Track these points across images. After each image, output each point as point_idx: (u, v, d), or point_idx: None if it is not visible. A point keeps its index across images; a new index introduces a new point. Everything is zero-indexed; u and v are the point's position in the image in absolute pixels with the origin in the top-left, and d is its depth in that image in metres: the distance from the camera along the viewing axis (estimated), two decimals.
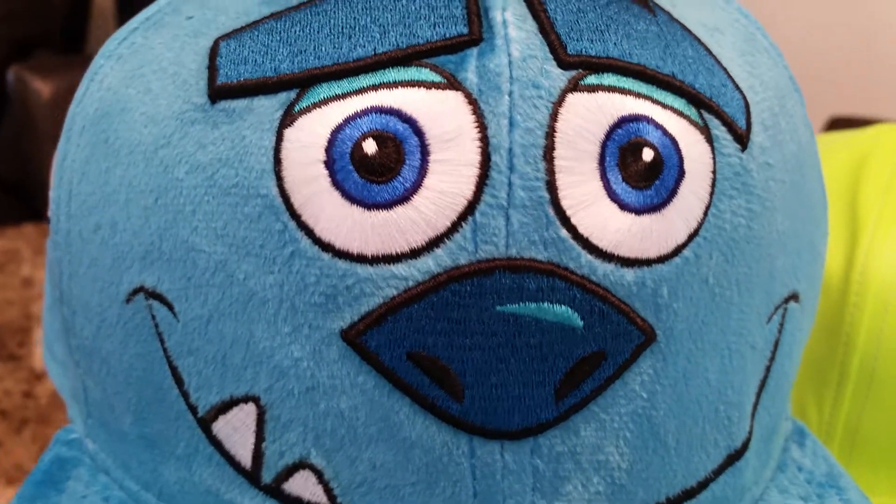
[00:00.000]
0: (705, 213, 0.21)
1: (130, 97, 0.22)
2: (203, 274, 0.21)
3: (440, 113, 0.20)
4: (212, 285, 0.21)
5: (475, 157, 0.19)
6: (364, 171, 0.19)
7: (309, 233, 0.20)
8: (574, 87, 0.20)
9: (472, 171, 0.19)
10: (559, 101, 0.20)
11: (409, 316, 0.20)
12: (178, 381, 0.22)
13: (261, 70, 0.21)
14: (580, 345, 0.20)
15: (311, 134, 0.20)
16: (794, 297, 0.24)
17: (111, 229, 0.22)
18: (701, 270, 0.21)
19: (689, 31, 0.22)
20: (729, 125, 0.22)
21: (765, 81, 0.24)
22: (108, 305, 0.23)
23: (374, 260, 0.20)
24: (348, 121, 0.20)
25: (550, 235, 0.19)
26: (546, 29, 0.20)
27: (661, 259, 0.20)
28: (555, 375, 0.20)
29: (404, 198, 0.19)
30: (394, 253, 0.20)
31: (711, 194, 0.21)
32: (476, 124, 0.19)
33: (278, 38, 0.21)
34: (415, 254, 0.20)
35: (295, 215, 0.20)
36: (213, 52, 0.21)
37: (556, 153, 0.20)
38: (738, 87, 0.22)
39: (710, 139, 0.21)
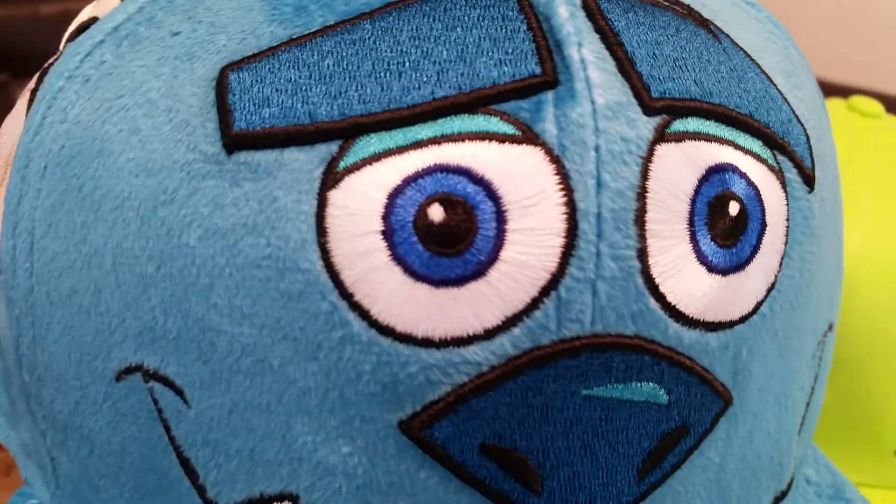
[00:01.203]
0: (780, 265, 0.19)
1: (110, 136, 0.18)
2: (225, 358, 0.18)
3: (518, 173, 0.17)
4: (236, 371, 0.18)
5: (560, 224, 0.17)
6: (430, 241, 0.17)
7: (363, 314, 0.17)
8: (661, 136, 0.17)
9: (557, 241, 0.17)
10: (648, 156, 0.17)
11: (484, 405, 0.17)
12: (191, 472, 0.19)
13: (291, 115, 0.17)
14: (664, 421, 0.18)
15: (363, 198, 0.17)
16: (830, 327, 0.23)
17: (93, 297, 0.19)
18: (774, 325, 0.20)
19: (753, 59, 0.20)
20: (799, 166, 0.20)
21: (809, 105, 0.22)
22: (90, 381, 0.19)
23: (442, 343, 0.17)
24: (408, 182, 0.17)
25: (639, 308, 0.17)
26: (626, 68, 0.18)
27: (743, 319, 0.19)
28: (639, 457, 0.18)
29: (478, 272, 0.17)
30: (465, 335, 0.17)
31: (786, 243, 0.19)
32: (560, 186, 0.17)
33: (307, 72, 0.17)
34: (489, 334, 0.17)
35: (346, 294, 0.17)
36: (222, 87, 0.18)
37: (648, 216, 0.17)
38: (799, 121, 0.21)
39: (783, 184, 0.19)
